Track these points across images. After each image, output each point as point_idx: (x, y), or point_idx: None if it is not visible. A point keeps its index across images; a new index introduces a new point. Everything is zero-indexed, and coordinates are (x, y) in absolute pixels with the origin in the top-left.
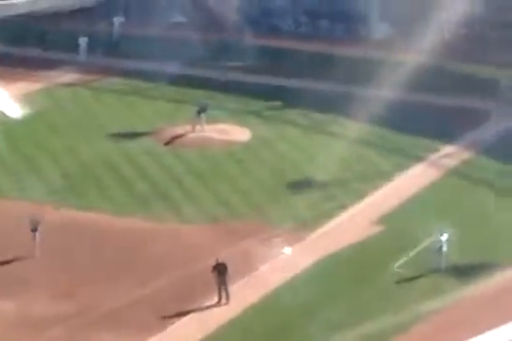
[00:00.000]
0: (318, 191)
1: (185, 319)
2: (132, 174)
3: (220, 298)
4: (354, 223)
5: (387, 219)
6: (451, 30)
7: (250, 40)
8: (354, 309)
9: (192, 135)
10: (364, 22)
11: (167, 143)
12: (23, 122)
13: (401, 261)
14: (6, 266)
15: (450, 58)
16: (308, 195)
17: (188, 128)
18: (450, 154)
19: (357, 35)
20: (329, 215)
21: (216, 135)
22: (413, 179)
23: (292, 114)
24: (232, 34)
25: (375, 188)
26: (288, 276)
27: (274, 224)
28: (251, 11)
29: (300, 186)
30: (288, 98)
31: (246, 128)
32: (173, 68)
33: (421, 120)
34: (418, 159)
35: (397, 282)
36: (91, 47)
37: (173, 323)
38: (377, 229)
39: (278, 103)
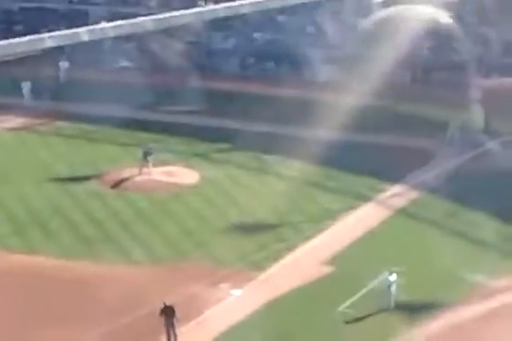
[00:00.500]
0: (266, 233)
1: None
2: (79, 218)
3: None
4: (303, 264)
5: (336, 259)
6: (396, 72)
7: (197, 83)
8: None
9: (138, 178)
10: (308, 64)
11: (114, 186)
12: None
13: (349, 302)
14: None
15: (395, 99)
16: (257, 237)
17: (135, 171)
18: (398, 194)
19: (302, 77)
20: (278, 256)
21: (163, 178)
22: (362, 219)
23: (240, 156)
24: (178, 77)
25: (324, 228)
26: (237, 318)
27: (222, 266)
28: (197, 54)
29: (248, 227)
30: (235, 141)
31: (194, 170)
32: (119, 112)
33: (368, 161)
34: (366, 199)
35: (346, 323)
36: (37, 92)
37: None
38: (326, 270)
39: (225, 145)
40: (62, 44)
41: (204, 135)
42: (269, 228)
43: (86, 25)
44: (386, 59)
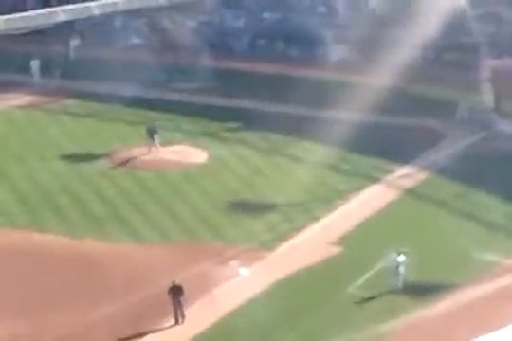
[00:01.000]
0: (275, 213)
1: None
2: (87, 196)
3: (176, 320)
4: (311, 244)
5: (344, 240)
6: (409, 52)
7: (207, 62)
8: (311, 331)
9: (147, 157)
10: (320, 44)
11: (122, 165)
12: None
13: (358, 282)
14: None
15: (406, 79)
16: (265, 217)
17: (144, 150)
18: (407, 175)
19: (314, 57)
20: (286, 236)
21: (172, 157)
22: (371, 200)
23: (249, 135)
24: (189, 56)
25: (333, 209)
26: (245, 297)
27: (231, 246)
28: (208, 33)
29: (257, 207)
30: (245, 120)
31: (203, 150)
32: (129, 90)
33: (378, 141)
34: (375, 180)
35: (354, 303)
36: (46, 70)
37: None
38: (335, 250)
39: (235, 125)
40: (74, 17)
41: (213, 114)
42: (278, 208)
43: None
44: (397, 39)
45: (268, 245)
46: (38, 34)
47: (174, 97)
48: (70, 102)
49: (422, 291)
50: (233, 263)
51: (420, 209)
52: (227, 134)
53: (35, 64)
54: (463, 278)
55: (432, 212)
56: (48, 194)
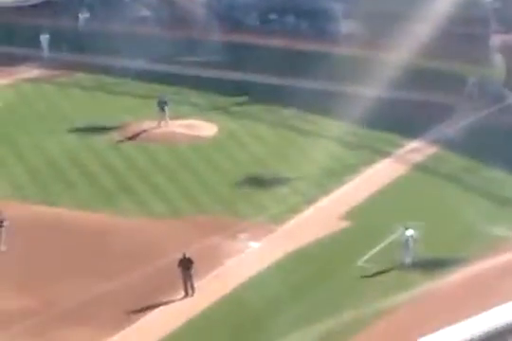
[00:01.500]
0: (285, 186)
1: (152, 314)
2: (97, 169)
3: (186, 293)
4: (321, 217)
5: (354, 214)
6: (418, 26)
7: (216, 35)
8: (320, 303)
9: (157, 130)
10: (329, 18)
11: (132, 138)
12: None
13: (367, 256)
14: None
15: (417, 54)
16: (275, 190)
17: (153, 123)
18: (416, 149)
19: (324, 31)
20: (297, 210)
21: (182, 130)
22: (380, 174)
23: (259, 109)
24: (198, 29)
25: (342, 182)
26: (255, 270)
27: (241, 219)
28: (217, 7)
29: (267, 180)
30: (255, 94)
31: (213, 123)
32: (138, 64)
33: (387, 116)
34: (384, 154)
35: (363, 277)
36: (56, 43)
37: (140, 318)
38: (344, 224)
39: (245, 99)
40: None
41: (222, 88)
42: (288, 182)
43: None
44: (407, 13)
45: (278, 219)
46: (47, 7)
47: (184, 70)
48: (80, 75)
49: (431, 265)
50: (243, 237)
51: (429, 183)
52: (236, 108)
53: (45, 39)
54: (472, 251)
55: (442, 186)
56: (59, 167)
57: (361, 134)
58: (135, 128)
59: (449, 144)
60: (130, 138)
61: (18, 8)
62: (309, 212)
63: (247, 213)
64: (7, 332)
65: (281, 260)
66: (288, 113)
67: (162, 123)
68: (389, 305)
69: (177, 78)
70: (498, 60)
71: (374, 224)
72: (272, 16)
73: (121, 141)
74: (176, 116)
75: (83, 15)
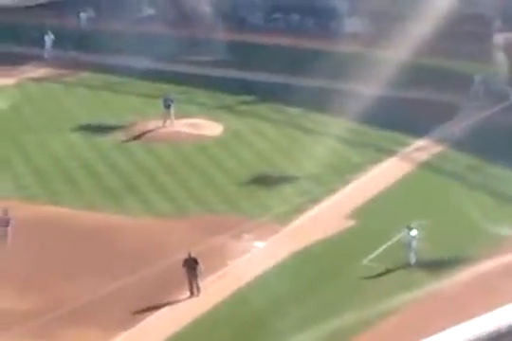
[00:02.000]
0: (290, 185)
1: (157, 314)
2: (103, 169)
3: (192, 293)
4: (326, 217)
5: (359, 213)
6: (423, 25)
7: (222, 34)
8: (324, 303)
9: (162, 130)
10: (334, 16)
11: (138, 137)
12: None
13: (372, 256)
14: None
15: (422, 52)
16: (281, 189)
17: (159, 122)
18: (422, 148)
19: (328, 30)
20: (301, 209)
21: (188, 130)
22: (385, 173)
23: (264, 108)
24: (203, 28)
25: (347, 182)
26: (260, 270)
27: (247, 219)
28: (222, 5)
29: (272, 180)
30: (260, 93)
31: (219, 122)
32: (143, 63)
33: (393, 114)
34: (390, 153)
35: (368, 277)
36: (60, 43)
37: (145, 318)
38: (349, 223)
39: (250, 98)
40: None
41: (228, 87)
42: (293, 181)
43: None
44: (413, 12)
45: (284, 218)
46: (52, 7)
47: (189, 69)
48: (85, 75)
49: (436, 264)
50: (249, 236)
51: (435, 182)
52: (242, 107)
53: (48, 39)
54: (478, 251)
55: (447, 185)
56: (64, 167)
57: (367, 133)
58: (140, 127)
59: (455, 143)
60: (135, 138)
61: (23, 8)
62: (314, 211)
63: (253, 213)
64: (11, 332)
65: (286, 259)
66: (294, 111)
67: (168, 122)
68: (394, 305)
69: (183, 77)
70: (501, 58)
71: (379, 223)
72: (277, 15)
73: (127, 141)
74: (182, 116)
75: (86, 14)
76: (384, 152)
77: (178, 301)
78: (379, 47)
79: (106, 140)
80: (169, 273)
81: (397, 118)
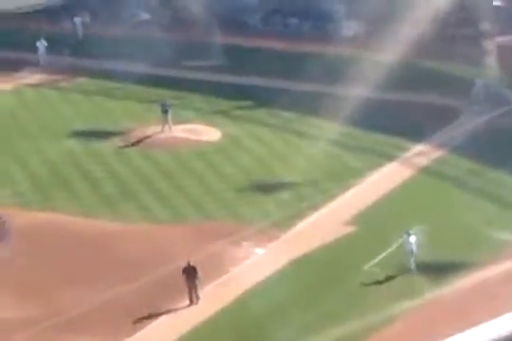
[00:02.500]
0: (289, 191)
1: (156, 322)
2: (101, 175)
3: (191, 301)
4: (326, 223)
5: (359, 219)
6: (423, 28)
7: (218, 38)
8: (325, 310)
9: (160, 136)
10: (332, 20)
11: (135, 143)
12: None
13: (372, 262)
14: None
15: (419, 56)
16: (279, 195)
17: (156, 128)
18: (422, 153)
19: (326, 33)
20: (301, 215)
21: (185, 135)
22: (385, 178)
23: (262, 113)
24: (200, 33)
25: (347, 187)
26: (260, 277)
27: (245, 225)
28: (219, 9)
29: (271, 186)
30: (258, 98)
31: (216, 128)
32: (140, 68)
33: (391, 119)
34: (390, 158)
35: (368, 283)
36: (55, 49)
37: (145, 326)
38: (349, 229)
39: (247, 103)
40: None
41: (225, 92)
42: (292, 187)
43: None
44: (410, 15)
45: (283, 225)
46: (47, 12)
47: (186, 74)
48: (81, 80)
49: (437, 270)
50: (248, 243)
51: (436, 188)
52: (239, 112)
53: (42, 45)
54: (479, 257)
55: (448, 190)
56: (61, 173)
57: (366, 138)
58: (137, 133)
59: (456, 147)
60: (133, 144)
61: (19, 14)
62: (314, 218)
63: (252, 219)
64: (7, 340)
65: (286, 266)
66: (292, 116)
67: (165, 128)
68: (396, 311)
69: (180, 81)
70: (499, 61)
71: (379, 229)
72: (275, 18)
73: (124, 147)
74: (180, 121)
75: (80, 19)
76: (383, 156)
77: (178, 309)
78: (377, 50)
79: (103, 146)
80: (168, 280)
81: (397, 123)
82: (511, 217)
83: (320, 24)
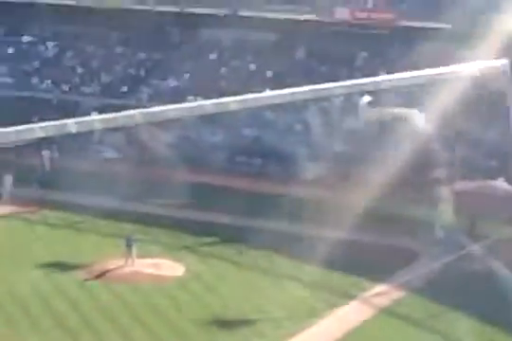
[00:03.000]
0: (249, 328)
1: None
2: (63, 308)
3: None
4: None
5: None
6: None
7: (184, 176)
8: None
9: (123, 270)
10: (295, 161)
11: (99, 276)
12: None
13: None
14: None
15: (381, 197)
16: (239, 332)
17: (120, 262)
18: (382, 293)
19: (289, 174)
20: None
21: (149, 270)
22: (345, 317)
23: (226, 250)
24: (166, 170)
25: (306, 326)
26: None
27: None
28: (185, 147)
29: (232, 323)
30: (222, 235)
31: (180, 263)
32: (106, 202)
33: (353, 258)
34: (350, 297)
35: None
36: (24, 180)
37: None
38: None
39: (213, 239)
40: (51, 134)
41: (190, 228)
42: (251, 323)
43: (77, 115)
44: (371, 157)
45: None
46: (15, 147)
47: (152, 210)
48: (48, 213)
49: None
50: None
51: (396, 329)
52: (204, 248)
53: (8, 180)
54: None
55: (407, 332)
56: (25, 305)
57: (326, 276)
58: (101, 266)
59: (415, 289)
60: (96, 277)
61: None
62: None
63: None
64: None
65: None
66: (255, 254)
67: (129, 262)
68: None
69: (145, 217)
70: (456, 207)
71: None
72: (240, 158)
73: (87, 280)
74: (143, 255)
75: (48, 153)
76: (345, 296)
77: None
78: (339, 192)
79: (67, 279)
80: None
81: (357, 262)
82: None
83: (284, 165)
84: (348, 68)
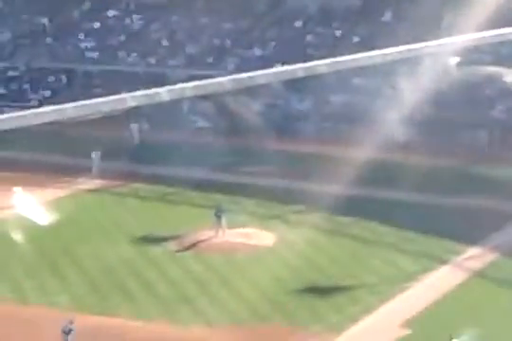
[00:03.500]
0: (342, 295)
1: None
2: (156, 279)
3: None
4: (380, 326)
5: (413, 322)
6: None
7: (273, 144)
8: None
9: (215, 240)
10: (384, 126)
11: (190, 248)
12: (49, 228)
13: None
14: None
15: (472, 160)
16: (333, 299)
17: (211, 232)
18: (475, 256)
19: (378, 139)
20: (355, 319)
21: (240, 240)
22: (439, 282)
23: (316, 217)
24: (255, 139)
25: (401, 290)
26: None
27: (300, 329)
28: (274, 116)
29: (325, 289)
30: (311, 202)
31: (271, 232)
32: (195, 173)
33: (445, 222)
34: (443, 261)
35: None
36: (113, 154)
37: None
38: (404, 333)
39: (301, 207)
40: (142, 103)
41: (280, 197)
42: (345, 290)
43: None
44: (463, 120)
45: (337, 328)
46: (106, 119)
47: (241, 179)
48: (138, 186)
49: None
50: None
51: (489, 292)
52: (293, 217)
53: (96, 155)
54: None
55: (502, 295)
56: (118, 278)
57: (419, 242)
58: (192, 238)
59: (508, 251)
60: (188, 248)
61: (82, 121)
62: (368, 321)
63: (306, 322)
64: None
65: None
66: (346, 220)
67: (220, 232)
68: None
69: (235, 187)
70: None
71: (433, 333)
72: (327, 124)
73: (179, 251)
74: (234, 225)
75: (137, 126)
76: (437, 260)
77: None
78: (430, 156)
79: (159, 250)
80: None
81: (449, 226)
82: None
83: (372, 130)
84: (435, 30)
